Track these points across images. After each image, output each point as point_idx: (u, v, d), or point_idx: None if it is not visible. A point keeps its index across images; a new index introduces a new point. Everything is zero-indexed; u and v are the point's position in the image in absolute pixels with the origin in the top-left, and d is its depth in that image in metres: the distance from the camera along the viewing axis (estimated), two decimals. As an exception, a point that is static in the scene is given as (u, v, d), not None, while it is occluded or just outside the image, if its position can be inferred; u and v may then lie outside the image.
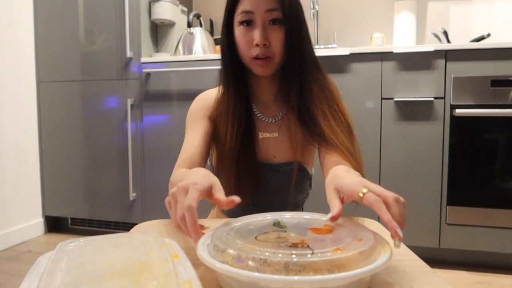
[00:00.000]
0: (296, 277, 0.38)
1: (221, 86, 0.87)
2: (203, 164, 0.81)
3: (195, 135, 0.84)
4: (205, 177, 0.57)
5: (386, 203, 0.49)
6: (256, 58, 0.79)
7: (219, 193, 0.55)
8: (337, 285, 0.40)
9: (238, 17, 0.79)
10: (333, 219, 0.53)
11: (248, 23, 0.79)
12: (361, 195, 0.51)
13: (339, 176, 0.60)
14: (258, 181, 0.87)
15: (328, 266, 0.39)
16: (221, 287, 0.46)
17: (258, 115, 0.89)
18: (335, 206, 0.54)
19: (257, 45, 0.78)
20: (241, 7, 0.78)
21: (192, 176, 0.57)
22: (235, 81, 0.85)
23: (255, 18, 0.78)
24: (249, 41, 0.79)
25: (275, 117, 0.88)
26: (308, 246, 0.44)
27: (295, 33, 0.79)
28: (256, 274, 0.39)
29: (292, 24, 0.78)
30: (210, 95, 0.90)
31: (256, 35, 0.77)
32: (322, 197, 1.09)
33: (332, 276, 0.39)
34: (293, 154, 0.87)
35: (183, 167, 0.76)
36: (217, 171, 0.89)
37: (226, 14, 0.82)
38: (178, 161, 0.80)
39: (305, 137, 0.85)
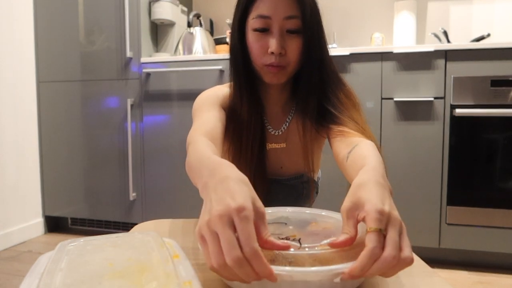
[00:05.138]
0: (275, 267, 0.39)
1: (231, 86, 0.80)
2: (221, 146, 0.69)
3: (213, 113, 0.73)
4: (243, 191, 0.41)
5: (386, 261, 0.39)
6: (269, 65, 0.73)
7: (265, 229, 0.42)
8: (320, 279, 0.40)
9: (252, 21, 0.72)
10: (334, 246, 0.43)
11: (264, 30, 0.72)
12: (368, 229, 0.41)
13: (367, 186, 0.46)
14: (266, 194, 0.81)
15: (311, 260, 0.40)
16: (221, 286, 0.46)
17: (268, 128, 0.83)
18: (346, 232, 0.44)
19: (272, 53, 0.71)
20: (257, 11, 0.71)
21: (229, 187, 0.42)
22: (249, 94, 0.77)
23: (271, 24, 0.71)
24: (263, 47, 0.72)
25: (281, 128, 0.84)
26: (299, 240, 0.45)
27: (315, 43, 0.72)
28: None
29: (312, 34, 0.72)
30: (222, 89, 0.82)
31: (272, 43, 0.70)
32: (325, 195, 1.09)
33: (306, 269, 0.39)
34: (302, 162, 0.82)
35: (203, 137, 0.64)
36: None
37: (238, 17, 0.75)
38: (195, 131, 0.66)
39: (315, 131, 0.79)
